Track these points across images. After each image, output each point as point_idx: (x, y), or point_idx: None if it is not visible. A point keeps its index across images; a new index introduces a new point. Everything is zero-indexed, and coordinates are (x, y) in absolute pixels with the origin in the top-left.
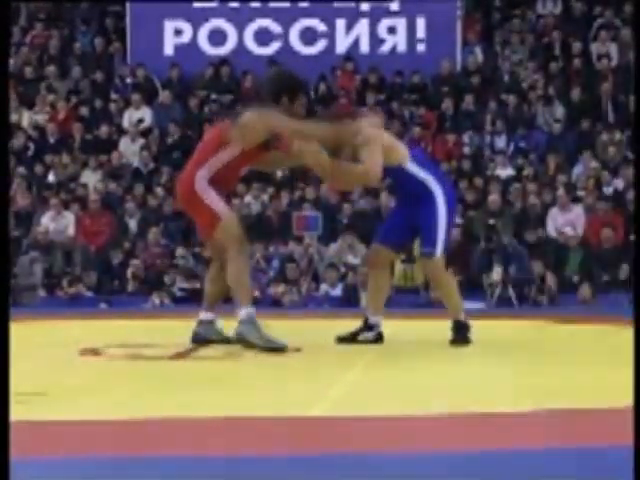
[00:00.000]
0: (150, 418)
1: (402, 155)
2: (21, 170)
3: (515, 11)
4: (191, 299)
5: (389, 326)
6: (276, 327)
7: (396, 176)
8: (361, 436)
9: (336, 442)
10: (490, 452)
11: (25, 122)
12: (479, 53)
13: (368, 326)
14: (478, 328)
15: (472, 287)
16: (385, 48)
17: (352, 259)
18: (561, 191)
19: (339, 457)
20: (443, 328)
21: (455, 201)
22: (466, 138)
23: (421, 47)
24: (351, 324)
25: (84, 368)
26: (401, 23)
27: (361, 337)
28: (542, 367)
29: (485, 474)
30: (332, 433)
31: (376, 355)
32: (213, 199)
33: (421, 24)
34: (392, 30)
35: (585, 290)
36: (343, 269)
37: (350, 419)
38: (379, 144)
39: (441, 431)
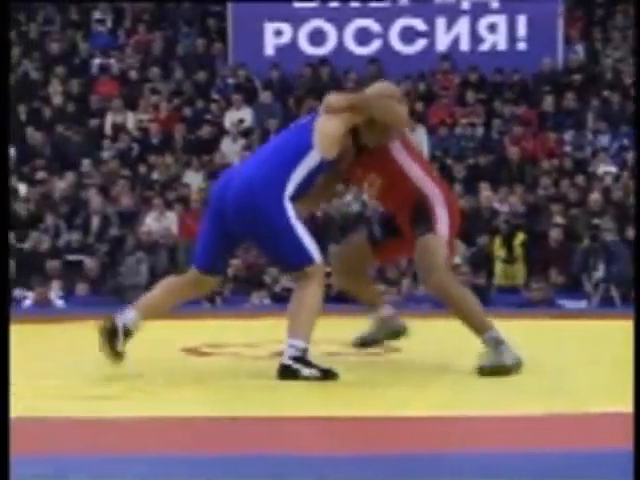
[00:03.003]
0: (248, 417)
1: None
2: (125, 171)
3: (618, 7)
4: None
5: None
6: None
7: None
8: (457, 435)
9: (430, 441)
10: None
11: (130, 124)
12: (581, 50)
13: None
14: (580, 328)
15: (574, 286)
16: (485, 46)
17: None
18: None
19: (436, 456)
20: (544, 327)
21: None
22: (568, 136)
23: (522, 45)
24: (449, 324)
25: (185, 367)
26: (502, 21)
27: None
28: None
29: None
30: (428, 433)
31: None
32: None
33: (522, 22)
34: (492, 28)
35: None
36: None
37: (448, 419)
38: None
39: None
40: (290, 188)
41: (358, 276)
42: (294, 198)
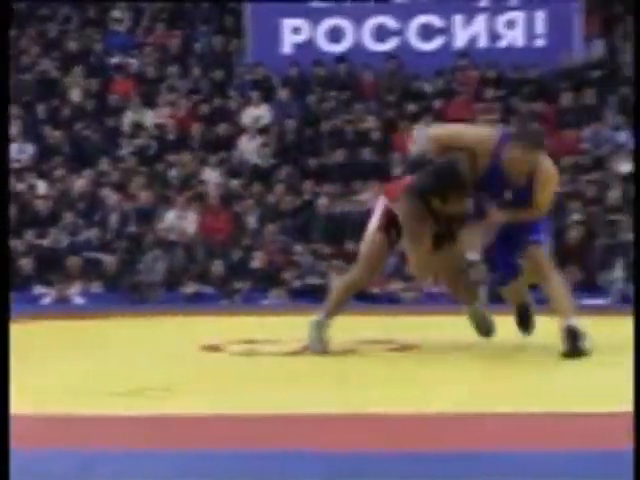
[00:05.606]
0: (268, 414)
1: None
2: (143, 169)
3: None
4: (309, 295)
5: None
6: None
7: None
8: (477, 434)
9: (451, 440)
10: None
11: (147, 121)
12: (600, 46)
13: None
14: (598, 326)
15: (592, 284)
16: (503, 43)
17: None
18: None
19: (463, 454)
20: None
21: None
22: (586, 133)
23: (540, 41)
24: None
25: (205, 364)
26: (520, 17)
27: None
28: None
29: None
30: (449, 431)
31: (498, 352)
32: None
33: (540, 18)
34: (511, 25)
35: None
36: None
37: (469, 416)
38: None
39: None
40: None
41: None
42: None
